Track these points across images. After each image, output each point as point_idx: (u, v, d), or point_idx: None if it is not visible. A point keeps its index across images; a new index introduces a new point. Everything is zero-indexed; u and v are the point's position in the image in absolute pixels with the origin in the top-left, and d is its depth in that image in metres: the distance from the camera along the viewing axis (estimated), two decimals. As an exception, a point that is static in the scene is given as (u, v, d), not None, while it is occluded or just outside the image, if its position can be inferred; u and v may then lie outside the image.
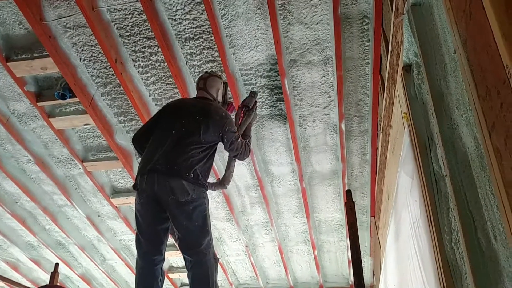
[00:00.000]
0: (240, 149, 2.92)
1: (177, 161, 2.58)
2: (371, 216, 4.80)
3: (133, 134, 3.05)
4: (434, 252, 1.80)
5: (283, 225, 5.17)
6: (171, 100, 3.70)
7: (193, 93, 3.59)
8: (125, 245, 5.69)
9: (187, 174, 2.56)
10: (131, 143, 3.18)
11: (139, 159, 3.07)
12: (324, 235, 5.34)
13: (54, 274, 4.01)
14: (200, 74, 3.23)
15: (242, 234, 5.16)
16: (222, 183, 3.01)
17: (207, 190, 2.69)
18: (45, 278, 6.31)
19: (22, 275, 6.26)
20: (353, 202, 2.46)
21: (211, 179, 2.95)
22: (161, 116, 2.94)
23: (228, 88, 3.33)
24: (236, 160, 3.03)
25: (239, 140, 2.91)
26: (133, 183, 2.78)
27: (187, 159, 2.60)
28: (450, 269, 1.70)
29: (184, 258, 2.57)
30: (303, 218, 4.95)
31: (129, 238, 5.50)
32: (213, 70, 3.35)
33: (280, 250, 5.43)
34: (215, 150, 2.87)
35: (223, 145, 2.89)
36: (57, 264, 4.17)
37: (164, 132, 2.76)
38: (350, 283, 6.24)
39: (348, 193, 2.54)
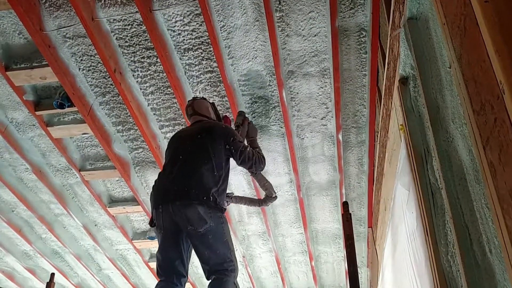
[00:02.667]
0: (252, 158, 2.86)
1: (190, 186, 2.54)
2: (368, 227, 4.80)
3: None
4: (431, 265, 1.80)
5: (280, 236, 5.16)
6: (169, 109, 3.73)
7: (191, 103, 3.61)
8: (121, 254, 5.67)
9: (204, 198, 2.50)
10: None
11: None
12: (321, 246, 5.33)
13: (50, 284, 3.99)
14: (189, 101, 3.26)
15: (239, 244, 5.15)
16: (269, 197, 3.03)
17: (224, 213, 2.65)
18: (40, 288, 6.28)
19: (17, 284, 6.23)
20: (350, 214, 2.47)
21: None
22: (167, 150, 2.95)
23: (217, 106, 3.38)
24: (259, 172, 2.98)
25: (248, 149, 2.87)
26: (149, 220, 2.72)
27: (200, 182, 2.56)
28: (446, 281, 1.71)
29: (203, 268, 2.56)
30: (300, 228, 4.95)
31: (126, 247, 5.48)
32: (194, 96, 3.41)
33: (277, 261, 5.42)
34: (228, 171, 2.82)
35: (235, 160, 2.84)
36: (53, 274, 4.15)
37: (172, 161, 2.74)
38: (347, 294, 6.22)
39: (345, 205, 2.55)
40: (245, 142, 3.15)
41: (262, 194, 4.42)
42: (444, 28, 1.36)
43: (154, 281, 5.97)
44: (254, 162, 2.87)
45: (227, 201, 3.09)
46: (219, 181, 2.65)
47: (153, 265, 5.60)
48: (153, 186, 2.76)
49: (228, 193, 3.11)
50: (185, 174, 2.60)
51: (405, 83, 2.26)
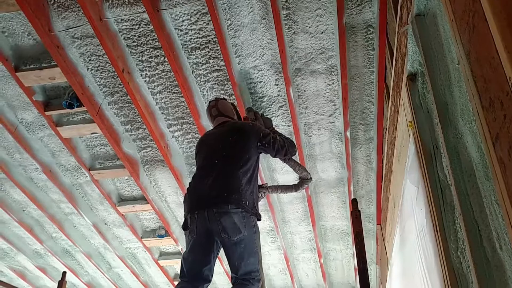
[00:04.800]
0: (285, 145, 2.82)
1: (228, 191, 2.51)
2: (377, 224, 4.79)
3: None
4: (440, 261, 1.80)
5: (288, 233, 5.17)
6: (177, 108, 3.75)
7: (198, 102, 3.63)
8: (131, 253, 5.71)
9: (243, 202, 2.48)
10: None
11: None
12: (330, 243, 5.34)
13: (62, 282, 4.03)
14: (207, 105, 3.18)
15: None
16: (305, 179, 3.01)
17: (258, 219, 2.62)
18: (52, 286, 6.35)
19: (29, 283, 6.31)
20: (359, 211, 2.46)
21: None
22: (198, 154, 2.90)
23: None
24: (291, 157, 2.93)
25: (278, 138, 2.84)
26: (183, 223, 2.68)
27: (237, 186, 2.53)
28: (457, 278, 1.70)
29: (231, 274, 2.55)
30: (309, 226, 4.96)
31: (135, 246, 5.52)
32: (216, 96, 3.37)
33: (286, 258, 5.43)
34: (258, 168, 2.81)
35: (269, 152, 2.80)
36: (64, 273, 4.19)
37: (207, 165, 2.71)
38: (356, 291, 6.22)
39: (354, 202, 2.54)
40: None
41: (272, 193, 4.45)
42: (452, 24, 1.36)
43: (164, 279, 6.01)
44: (287, 148, 2.83)
45: (263, 193, 3.05)
46: (252, 181, 2.64)
47: (163, 263, 5.65)
48: (188, 189, 2.72)
49: (261, 184, 3.10)
50: (222, 178, 2.57)
51: (413, 79, 2.25)
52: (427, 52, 1.91)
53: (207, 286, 2.56)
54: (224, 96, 3.57)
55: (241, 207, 2.47)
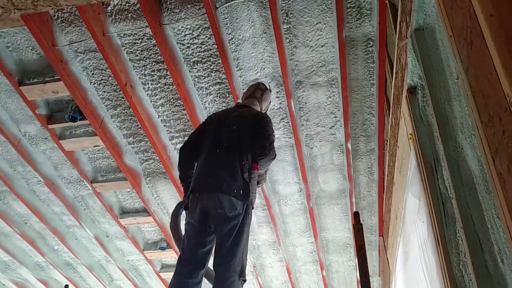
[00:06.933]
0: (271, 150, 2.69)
1: (226, 179, 2.54)
2: (379, 236, 4.78)
3: (181, 146, 2.95)
4: (443, 274, 1.80)
5: (290, 245, 5.16)
6: (179, 121, 3.77)
7: (200, 114, 3.65)
8: (132, 265, 5.70)
9: (235, 191, 2.50)
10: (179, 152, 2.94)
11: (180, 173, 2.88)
12: (332, 255, 5.32)
13: None
14: (257, 82, 3.13)
15: (249, 254, 5.15)
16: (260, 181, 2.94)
17: (252, 207, 2.62)
18: (53, 299, 6.32)
19: (30, 296, 6.27)
20: (361, 224, 2.46)
21: None
22: (207, 130, 2.84)
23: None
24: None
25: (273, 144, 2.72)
26: (182, 202, 2.69)
27: (235, 176, 2.55)
28: (459, 291, 1.71)
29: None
30: (310, 237, 4.95)
31: (137, 258, 5.51)
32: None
33: (288, 270, 5.41)
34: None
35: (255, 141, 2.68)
36: (66, 286, 4.18)
37: (212, 149, 2.70)
38: (359, 303, 6.18)
39: (356, 215, 2.55)
40: None
41: (274, 205, 4.45)
42: (451, 40, 1.38)
43: (166, 292, 5.97)
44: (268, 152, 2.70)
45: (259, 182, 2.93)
46: (252, 172, 2.63)
47: (165, 275, 5.62)
48: (196, 171, 2.73)
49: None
50: (224, 167, 2.59)
51: (414, 92, 2.27)
52: (427, 66, 1.93)
53: (202, 274, 2.54)
54: (224, 108, 3.60)
55: (233, 195, 2.49)
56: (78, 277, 5.91)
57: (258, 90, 3.06)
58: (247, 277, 2.57)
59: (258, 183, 2.79)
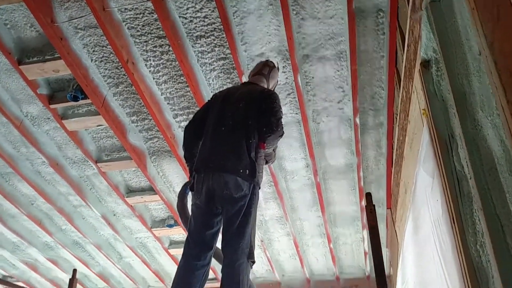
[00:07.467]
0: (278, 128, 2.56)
1: (232, 159, 2.44)
2: (387, 208, 4.76)
3: (185, 125, 2.82)
4: (458, 254, 1.76)
5: (298, 220, 5.16)
6: (182, 98, 3.70)
7: (204, 91, 3.57)
8: (141, 242, 5.73)
9: (241, 171, 2.40)
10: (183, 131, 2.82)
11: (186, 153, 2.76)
12: (339, 228, 5.32)
13: (73, 280, 4.04)
14: (266, 60, 3.04)
15: (257, 229, 5.15)
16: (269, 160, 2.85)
17: (259, 187, 2.52)
18: (63, 277, 6.41)
19: (40, 275, 6.35)
20: (374, 206, 2.40)
21: None
22: (212, 109, 2.73)
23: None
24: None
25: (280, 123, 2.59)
26: (189, 182, 2.60)
27: (241, 155, 2.45)
28: (475, 271, 1.67)
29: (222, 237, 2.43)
30: (318, 212, 4.93)
31: (145, 235, 5.53)
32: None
33: (295, 244, 5.42)
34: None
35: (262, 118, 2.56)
36: (75, 270, 4.20)
37: (217, 127, 2.60)
38: (366, 274, 6.22)
39: (368, 196, 2.49)
40: None
41: (281, 181, 4.41)
42: (473, 13, 1.29)
43: (175, 267, 6.00)
44: (276, 131, 2.58)
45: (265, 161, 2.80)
46: (258, 152, 2.53)
47: (173, 251, 5.65)
48: (199, 151, 2.63)
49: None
50: (228, 146, 2.49)
51: (427, 66, 2.18)
52: (443, 39, 1.84)
53: (210, 255, 2.46)
54: (231, 84, 3.51)
55: (239, 175, 2.39)
56: (87, 255, 5.96)
57: (266, 67, 2.95)
58: (255, 251, 2.51)
59: (266, 162, 2.71)
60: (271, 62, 3.00)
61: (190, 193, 2.65)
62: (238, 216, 2.38)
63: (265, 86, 2.86)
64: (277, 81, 3.04)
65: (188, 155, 2.72)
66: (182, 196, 2.83)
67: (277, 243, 5.60)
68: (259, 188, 2.54)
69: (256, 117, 2.57)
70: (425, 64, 2.19)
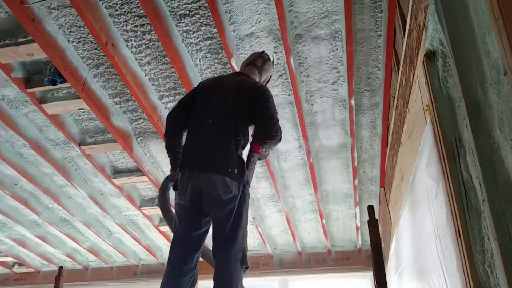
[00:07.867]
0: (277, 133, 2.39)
1: (220, 157, 2.28)
2: (380, 187, 4.68)
3: (168, 112, 2.63)
4: (464, 271, 1.65)
5: (290, 197, 5.07)
6: (168, 79, 3.48)
7: (191, 72, 3.37)
8: (131, 220, 5.63)
9: (229, 170, 2.24)
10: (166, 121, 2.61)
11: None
12: (332, 205, 5.26)
13: (59, 278, 3.95)
14: (261, 51, 2.83)
15: (248, 206, 5.06)
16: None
17: (249, 187, 2.37)
18: (53, 252, 6.35)
19: (30, 250, 6.27)
20: (376, 220, 2.25)
21: None
22: (198, 98, 2.53)
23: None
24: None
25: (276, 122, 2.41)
26: (172, 178, 2.41)
27: (229, 153, 2.28)
28: (483, 292, 1.56)
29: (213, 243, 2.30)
30: (310, 190, 4.84)
31: (134, 213, 5.42)
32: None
33: (287, 220, 5.36)
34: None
35: (256, 119, 2.40)
36: (61, 267, 4.12)
37: (203, 119, 2.40)
38: (358, 246, 6.23)
39: (370, 209, 2.35)
40: None
41: (273, 161, 4.28)
42: (498, 23, 1.11)
43: (166, 242, 5.94)
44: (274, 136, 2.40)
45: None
46: (246, 148, 2.40)
47: (164, 228, 5.57)
48: (184, 145, 2.44)
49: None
50: (215, 143, 2.32)
51: (432, 58, 2.00)
52: (453, 35, 1.65)
53: (197, 257, 2.34)
54: (219, 65, 3.30)
55: (227, 175, 2.23)
56: (76, 232, 5.86)
57: (259, 59, 2.74)
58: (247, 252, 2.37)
59: (259, 158, 2.53)
60: (266, 54, 2.79)
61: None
62: (228, 220, 2.23)
63: (257, 79, 2.66)
64: (270, 76, 2.83)
65: (170, 145, 2.51)
66: (163, 192, 2.68)
67: (269, 219, 5.54)
68: (249, 186, 2.38)
69: (246, 113, 2.38)
70: (430, 55, 2.01)
